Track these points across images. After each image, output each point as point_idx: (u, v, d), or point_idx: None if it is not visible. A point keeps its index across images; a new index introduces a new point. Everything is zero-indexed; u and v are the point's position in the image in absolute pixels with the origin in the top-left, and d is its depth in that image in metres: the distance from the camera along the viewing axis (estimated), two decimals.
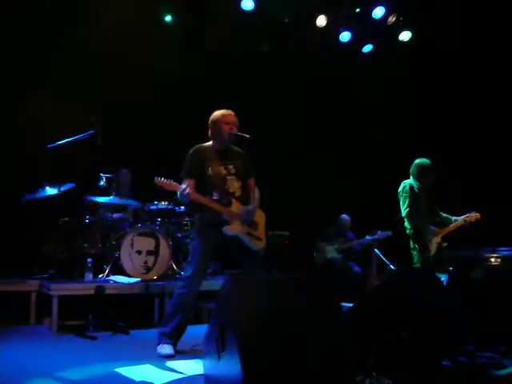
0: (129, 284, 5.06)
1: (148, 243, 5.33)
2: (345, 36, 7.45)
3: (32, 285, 5.09)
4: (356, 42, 7.57)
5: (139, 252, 5.28)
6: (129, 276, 5.17)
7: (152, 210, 5.82)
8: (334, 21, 7.26)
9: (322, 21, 7.16)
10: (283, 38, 7.24)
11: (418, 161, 5.05)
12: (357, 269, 7.12)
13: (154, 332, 4.16)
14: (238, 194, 3.97)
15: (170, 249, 5.40)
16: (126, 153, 6.31)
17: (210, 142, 4.07)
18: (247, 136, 3.94)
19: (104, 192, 5.51)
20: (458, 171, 6.95)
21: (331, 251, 7.26)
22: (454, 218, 5.09)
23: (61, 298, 4.72)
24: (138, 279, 5.15)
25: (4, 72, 5.83)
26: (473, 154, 7.08)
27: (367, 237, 7.08)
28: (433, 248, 4.88)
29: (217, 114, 4.01)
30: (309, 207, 7.59)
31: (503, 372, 3.13)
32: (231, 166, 3.98)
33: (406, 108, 7.63)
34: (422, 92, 7.48)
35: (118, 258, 5.23)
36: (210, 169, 3.91)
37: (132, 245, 5.24)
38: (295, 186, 7.61)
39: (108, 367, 3.52)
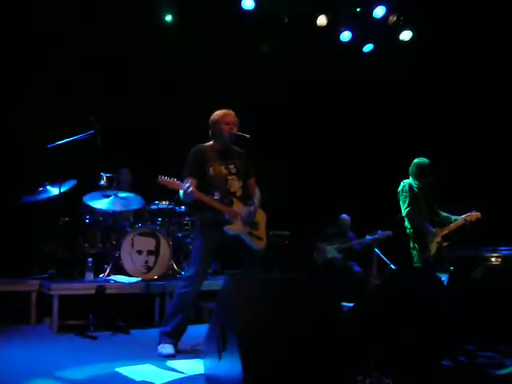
0: (129, 284, 5.07)
1: (148, 243, 5.33)
2: (345, 36, 7.46)
3: (32, 285, 5.09)
4: (357, 42, 7.57)
5: (140, 252, 5.28)
6: (129, 276, 5.17)
7: (152, 209, 5.83)
8: (334, 20, 7.26)
9: (322, 20, 7.16)
10: (283, 38, 7.25)
11: (416, 160, 5.05)
12: (357, 269, 7.12)
13: (154, 332, 4.17)
14: (239, 193, 3.98)
15: (170, 248, 5.40)
16: (126, 152, 6.32)
17: (211, 142, 4.07)
18: (247, 136, 3.95)
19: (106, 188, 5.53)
20: (458, 171, 6.95)
21: (331, 251, 7.26)
22: (454, 217, 5.08)
23: (61, 297, 4.72)
24: (139, 279, 5.16)
25: (4, 72, 5.83)
26: (473, 154, 7.08)
27: (367, 236, 7.08)
28: (433, 248, 4.88)
29: (217, 114, 4.01)
30: (309, 207, 7.60)
31: (503, 372, 3.13)
32: (232, 166, 3.99)
33: (407, 108, 7.63)
34: (423, 92, 7.48)
35: (119, 258, 5.23)
36: (211, 169, 3.91)
37: (132, 244, 5.25)
38: (295, 186, 7.61)
39: (108, 367, 3.52)
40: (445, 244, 4.94)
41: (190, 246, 5.68)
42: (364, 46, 7.66)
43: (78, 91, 6.24)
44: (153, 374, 3.38)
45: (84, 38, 6.27)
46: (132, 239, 5.25)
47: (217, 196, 3.91)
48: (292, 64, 7.29)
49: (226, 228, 3.85)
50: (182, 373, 3.41)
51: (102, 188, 5.62)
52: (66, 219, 5.57)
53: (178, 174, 3.87)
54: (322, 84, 7.58)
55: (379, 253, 6.98)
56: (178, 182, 3.76)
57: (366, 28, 7.38)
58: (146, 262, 5.30)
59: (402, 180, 5.10)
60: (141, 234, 5.33)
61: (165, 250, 5.36)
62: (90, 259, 5.25)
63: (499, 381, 3.05)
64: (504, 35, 6.66)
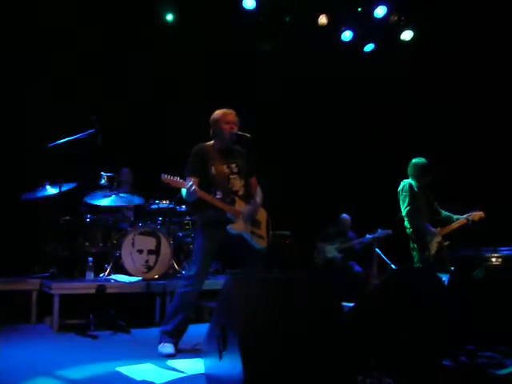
0: (130, 283, 5.07)
1: (149, 242, 5.33)
2: (346, 35, 7.46)
3: (33, 284, 5.08)
4: (357, 42, 7.57)
5: (140, 251, 5.28)
6: (130, 275, 5.17)
7: (153, 209, 5.83)
8: (335, 20, 7.26)
9: (323, 20, 7.16)
10: (284, 37, 7.25)
11: (414, 160, 5.05)
12: (357, 268, 7.12)
13: (155, 331, 4.17)
14: (240, 192, 3.98)
15: (171, 248, 5.40)
16: (126, 152, 6.32)
17: (212, 141, 4.07)
18: (248, 135, 3.95)
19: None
20: (459, 171, 6.95)
21: (332, 251, 7.26)
22: (455, 216, 5.08)
23: (62, 296, 4.71)
24: (139, 278, 5.16)
25: (4, 72, 5.83)
26: (474, 154, 7.08)
27: (367, 235, 7.07)
28: (433, 247, 4.87)
29: (217, 113, 4.02)
30: (309, 207, 7.59)
31: (504, 372, 3.13)
32: (233, 165, 3.99)
33: (407, 107, 7.63)
34: (423, 92, 7.47)
35: (119, 257, 5.23)
36: (213, 168, 3.91)
37: (133, 244, 5.25)
38: (295, 186, 7.61)
39: (109, 366, 3.52)
40: (446, 243, 4.93)
41: (191, 246, 5.69)
42: (365, 45, 7.66)
43: (78, 91, 6.23)
44: (153, 373, 3.39)
45: (84, 38, 6.27)
46: (133, 238, 5.25)
47: (219, 195, 3.91)
48: (292, 64, 7.29)
49: (228, 227, 3.85)
50: (183, 372, 3.41)
51: (102, 187, 5.61)
52: (67, 218, 5.57)
53: (178, 173, 3.87)
54: (323, 84, 7.58)
55: (380, 253, 6.98)
56: (180, 180, 3.77)
57: (367, 28, 7.38)
58: (147, 261, 5.30)
59: (402, 180, 5.10)
60: (141, 234, 5.33)
61: (165, 250, 5.37)
62: (90, 258, 5.25)
63: (500, 381, 3.05)
64: (505, 35, 6.66)
